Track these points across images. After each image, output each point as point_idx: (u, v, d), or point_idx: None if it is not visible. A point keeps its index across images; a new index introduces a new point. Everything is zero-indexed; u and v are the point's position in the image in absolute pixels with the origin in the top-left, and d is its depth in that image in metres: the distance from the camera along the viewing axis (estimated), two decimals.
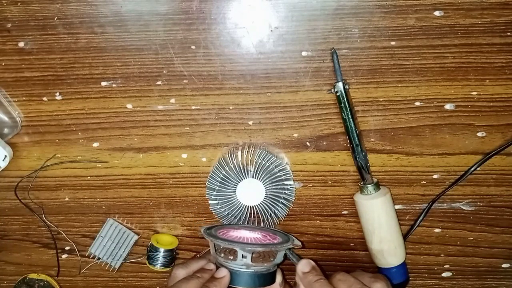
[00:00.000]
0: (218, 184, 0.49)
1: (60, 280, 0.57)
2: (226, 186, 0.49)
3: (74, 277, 0.57)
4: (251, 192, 0.49)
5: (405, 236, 0.51)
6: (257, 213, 0.50)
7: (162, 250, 0.52)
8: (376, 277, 0.43)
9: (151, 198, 0.53)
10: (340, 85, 0.46)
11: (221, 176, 0.49)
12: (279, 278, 0.46)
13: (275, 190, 0.49)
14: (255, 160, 0.49)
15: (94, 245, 0.54)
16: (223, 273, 0.44)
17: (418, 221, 0.51)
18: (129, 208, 0.54)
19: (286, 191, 0.50)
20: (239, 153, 0.49)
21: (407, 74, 0.47)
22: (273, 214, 0.50)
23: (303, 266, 0.44)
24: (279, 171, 0.49)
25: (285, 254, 0.46)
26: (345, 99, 0.46)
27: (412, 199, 0.51)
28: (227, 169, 0.49)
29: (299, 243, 0.46)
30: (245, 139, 0.50)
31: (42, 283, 0.56)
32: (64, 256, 0.56)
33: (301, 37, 0.47)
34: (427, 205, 0.51)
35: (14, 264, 0.56)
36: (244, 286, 0.44)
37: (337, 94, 0.46)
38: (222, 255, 0.45)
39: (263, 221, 0.50)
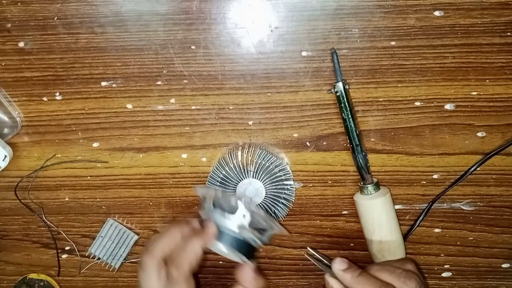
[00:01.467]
0: (218, 184, 0.49)
1: (60, 280, 0.57)
2: (226, 186, 0.49)
3: (74, 277, 0.57)
4: (251, 192, 0.49)
5: (405, 236, 0.51)
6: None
7: None
8: (403, 261, 0.44)
9: (151, 198, 0.53)
10: (340, 85, 0.46)
11: (221, 176, 0.49)
12: (253, 263, 0.45)
13: (275, 190, 0.49)
14: (255, 160, 0.49)
15: (94, 245, 0.54)
16: (209, 227, 0.43)
17: (418, 221, 0.51)
18: (129, 208, 0.54)
19: (286, 191, 0.50)
20: (239, 153, 0.49)
21: (407, 74, 0.47)
22: (273, 214, 0.50)
23: (340, 264, 0.43)
24: (279, 171, 0.49)
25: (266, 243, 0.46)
26: (345, 99, 0.46)
27: (412, 199, 0.51)
28: (227, 169, 0.49)
29: (287, 233, 0.48)
30: (245, 139, 0.50)
31: (42, 283, 0.56)
32: (64, 256, 0.56)
33: (301, 37, 0.47)
34: (427, 205, 0.51)
35: (14, 264, 0.56)
36: (228, 247, 0.43)
37: (337, 94, 0.46)
38: (219, 211, 0.44)
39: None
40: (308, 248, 0.45)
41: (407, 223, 0.52)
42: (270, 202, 0.50)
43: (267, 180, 0.49)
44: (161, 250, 0.42)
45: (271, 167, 0.49)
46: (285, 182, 0.49)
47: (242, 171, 0.49)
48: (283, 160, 0.50)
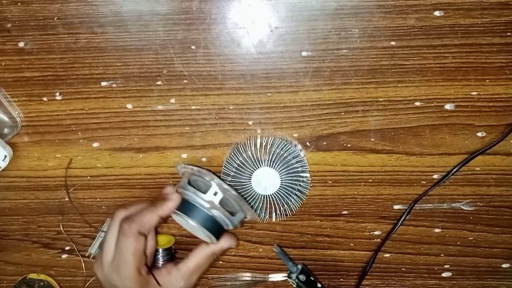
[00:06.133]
0: (234, 170, 0.49)
1: (60, 280, 0.57)
2: (242, 173, 0.49)
3: (74, 277, 0.57)
4: (266, 181, 0.49)
5: (387, 236, 0.52)
6: (271, 202, 0.50)
7: (160, 250, 0.52)
8: None
9: (151, 198, 0.53)
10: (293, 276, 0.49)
11: (237, 163, 0.49)
12: (228, 243, 0.48)
13: (290, 181, 0.49)
14: (273, 150, 0.48)
15: (94, 245, 0.54)
16: (172, 196, 0.45)
17: (400, 221, 0.51)
18: None
19: (301, 183, 0.49)
20: (258, 140, 0.49)
21: (407, 74, 0.47)
22: (285, 205, 0.50)
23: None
24: (296, 162, 0.49)
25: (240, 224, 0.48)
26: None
27: (412, 199, 0.51)
28: (244, 156, 0.49)
29: (257, 219, 0.49)
30: (245, 139, 0.50)
31: (42, 283, 0.56)
32: (64, 256, 0.56)
33: (301, 37, 0.47)
34: (427, 205, 0.51)
35: (14, 264, 0.56)
36: (196, 222, 0.44)
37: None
38: (192, 188, 0.45)
39: (275, 211, 0.50)
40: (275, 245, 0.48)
41: (407, 223, 0.52)
42: (284, 192, 0.49)
43: (283, 170, 0.49)
44: (135, 209, 0.46)
45: (288, 157, 0.49)
46: (301, 174, 0.49)
47: (259, 159, 0.49)
48: (301, 151, 0.50)
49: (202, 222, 0.44)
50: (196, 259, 0.47)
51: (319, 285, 0.51)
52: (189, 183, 0.47)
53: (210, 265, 0.48)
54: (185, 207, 0.45)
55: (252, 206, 0.48)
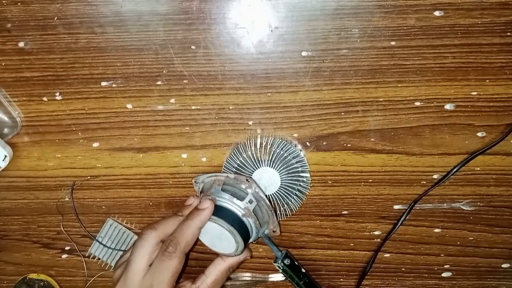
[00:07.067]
0: (234, 170, 0.49)
1: (60, 280, 0.57)
2: (242, 173, 0.49)
3: (74, 277, 0.57)
4: (266, 181, 0.49)
5: (387, 235, 0.52)
6: (270, 202, 0.50)
7: None
8: None
9: (151, 198, 0.53)
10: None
11: (238, 163, 0.49)
12: (244, 255, 0.48)
13: (290, 181, 0.49)
14: (273, 149, 0.48)
15: (94, 246, 0.54)
16: (206, 204, 0.44)
17: (400, 221, 0.51)
18: (129, 208, 0.54)
19: (301, 183, 0.49)
20: (258, 140, 0.49)
21: (407, 74, 0.47)
22: (285, 205, 0.50)
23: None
24: (296, 162, 0.49)
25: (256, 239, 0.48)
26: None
27: (412, 199, 0.51)
28: (244, 155, 0.49)
29: (279, 233, 0.48)
30: (245, 139, 0.50)
31: (42, 283, 0.56)
32: (64, 256, 0.56)
33: (301, 37, 0.47)
34: (427, 205, 0.51)
35: (14, 264, 0.56)
36: (232, 228, 0.43)
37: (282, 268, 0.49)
38: (227, 196, 0.45)
39: (275, 211, 0.50)
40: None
41: (407, 223, 0.52)
42: (284, 192, 0.49)
43: (283, 170, 0.49)
44: (164, 228, 0.45)
45: (288, 157, 0.49)
46: (302, 174, 0.49)
47: (259, 159, 0.49)
48: (301, 151, 0.50)
49: (238, 229, 0.44)
50: (214, 275, 0.46)
51: (303, 270, 0.51)
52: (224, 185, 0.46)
53: (227, 279, 0.48)
54: (220, 213, 0.44)
55: (279, 222, 0.48)
